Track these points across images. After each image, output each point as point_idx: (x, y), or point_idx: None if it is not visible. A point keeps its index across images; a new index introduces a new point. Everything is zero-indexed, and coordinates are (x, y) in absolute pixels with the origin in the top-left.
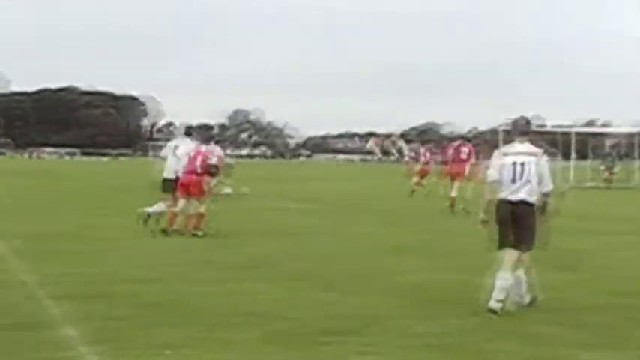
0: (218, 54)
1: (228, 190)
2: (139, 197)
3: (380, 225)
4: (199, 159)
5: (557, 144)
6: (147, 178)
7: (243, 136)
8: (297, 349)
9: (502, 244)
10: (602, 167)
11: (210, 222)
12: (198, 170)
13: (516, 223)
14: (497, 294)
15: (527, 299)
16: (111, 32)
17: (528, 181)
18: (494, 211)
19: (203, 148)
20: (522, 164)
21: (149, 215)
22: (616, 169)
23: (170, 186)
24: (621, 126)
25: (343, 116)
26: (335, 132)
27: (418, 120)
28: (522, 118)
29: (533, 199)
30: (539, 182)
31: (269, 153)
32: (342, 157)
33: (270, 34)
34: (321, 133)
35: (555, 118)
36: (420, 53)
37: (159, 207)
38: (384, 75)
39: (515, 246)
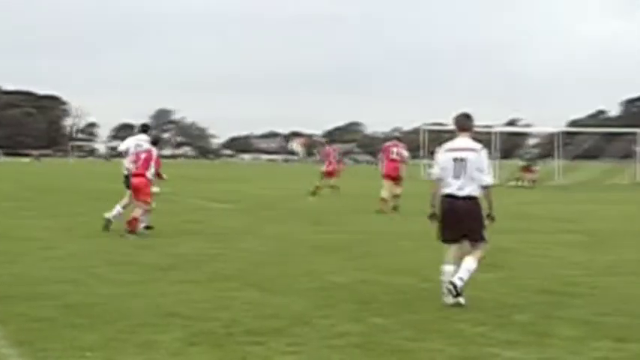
0: (142, 54)
1: (156, 189)
2: (64, 198)
3: (305, 224)
4: (152, 163)
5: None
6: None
7: (167, 135)
8: (222, 349)
9: (447, 239)
10: (519, 165)
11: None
12: (149, 174)
13: (465, 218)
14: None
15: (461, 284)
16: (33, 32)
17: (471, 176)
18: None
19: (154, 151)
20: (463, 159)
21: (110, 221)
22: (537, 168)
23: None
24: (544, 125)
25: (266, 116)
26: (258, 132)
27: (342, 120)
28: (463, 113)
29: (478, 193)
30: (480, 176)
31: (192, 153)
32: (265, 156)
33: (194, 34)
34: (245, 132)
35: (481, 117)
36: (344, 54)
37: (117, 211)
38: (307, 75)
39: (470, 240)
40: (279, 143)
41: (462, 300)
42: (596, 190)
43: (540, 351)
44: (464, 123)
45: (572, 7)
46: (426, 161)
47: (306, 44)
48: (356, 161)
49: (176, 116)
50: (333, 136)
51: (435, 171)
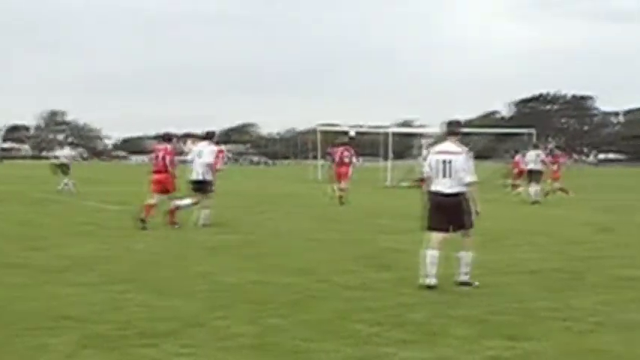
0: (32, 55)
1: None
2: None
3: (198, 225)
4: (167, 158)
5: (376, 144)
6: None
7: (60, 137)
8: (115, 352)
9: (430, 227)
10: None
11: (27, 224)
12: (169, 168)
13: (453, 211)
14: (430, 270)
15: (467, 277)
16: None
17: (457, 176)
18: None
19: (169, 146)
20: (450, 161)
21: (178, 207)
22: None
23: (198, 187)
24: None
25: (160, 117)
26: (152, 133)
27: (236, 120)
28: (453, 120)
29: (463, 189)
30: (465, 174)
31: (85, 154)
32: None
33: (84, 34)
34: (138, 134)
35: (375, 118)
36: (238, 54)
37: (186, 201)
38: (201, 76)
39: (459, 228)
40: (173, 144)
41: (474, 283)
42: (488, 190)
43: (435, 350)
44: (452, 129)
45: (467, 9)
46: (321, 162)
47: (199, 44)
48: (251, 162)
49: (68, 117)
50: (228, 136)
51: (426, 170)
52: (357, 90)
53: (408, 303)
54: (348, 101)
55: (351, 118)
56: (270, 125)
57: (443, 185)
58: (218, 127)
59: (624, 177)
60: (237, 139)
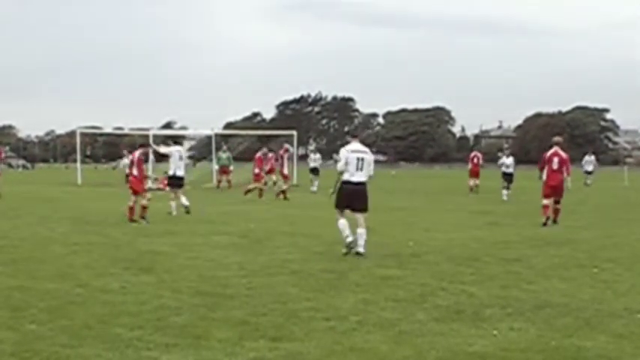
0: None
1: None
2: None
3: None
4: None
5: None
6: None
7: None
8: None
9: (341, 207)
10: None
11: None
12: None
13: (359, 196)
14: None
15: (364, 249)
16: None
17: (366, 169)
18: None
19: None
20: (363, 159)
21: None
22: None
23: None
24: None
25: None
26: None
27: None
28: (356, 127)
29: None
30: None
31: None
32: None
33: None
34: None
35: (138, 120)
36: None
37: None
38: None
39: (359, 211)
40: None
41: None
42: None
43: (198, 353)
44: (355, 133)
45: (227, 10)
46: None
47: None
48: (10, 166)
49: None
50: None
51: (341, 165)
52: (121, 92)
53: (170, 306)
54: (112, 103)
55: (114, 120)
56: (30, 128)
57: (355, 176)
58: None
59: (382, 178)
60: None
